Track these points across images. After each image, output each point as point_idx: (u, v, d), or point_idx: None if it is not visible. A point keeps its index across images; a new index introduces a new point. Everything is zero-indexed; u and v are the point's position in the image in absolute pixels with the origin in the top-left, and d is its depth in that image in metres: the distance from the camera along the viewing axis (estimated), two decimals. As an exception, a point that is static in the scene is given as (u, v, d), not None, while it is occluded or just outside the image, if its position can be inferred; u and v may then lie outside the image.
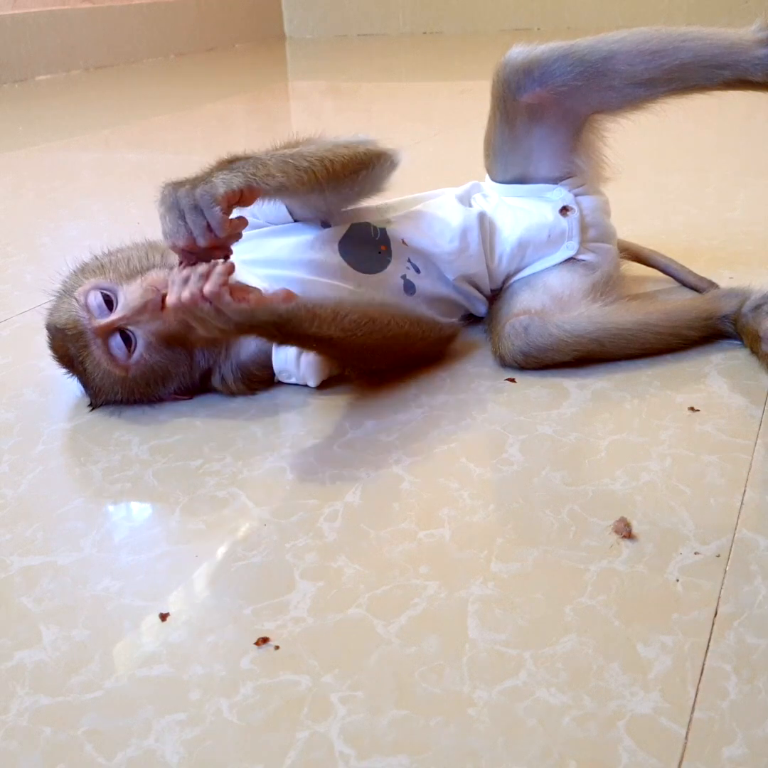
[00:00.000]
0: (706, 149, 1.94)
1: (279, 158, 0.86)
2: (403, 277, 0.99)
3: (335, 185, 0.93)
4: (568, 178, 1.04)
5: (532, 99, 0.96)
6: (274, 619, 0.63)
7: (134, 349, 0.89)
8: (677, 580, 0.64)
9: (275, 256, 0.96)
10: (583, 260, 1.03)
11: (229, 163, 0.84)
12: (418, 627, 0.61)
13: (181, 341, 0.90)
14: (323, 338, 0.87)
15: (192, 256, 0.82)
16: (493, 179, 1.07)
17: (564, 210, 1.03)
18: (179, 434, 0.88)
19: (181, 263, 0.82)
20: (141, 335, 0.89)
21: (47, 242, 1.53)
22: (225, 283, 0.79)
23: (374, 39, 4.56)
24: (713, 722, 0.52)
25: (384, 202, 1.03)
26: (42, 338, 0.95)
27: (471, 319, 1.07)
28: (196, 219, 0.80)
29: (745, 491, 0.73)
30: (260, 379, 0.95)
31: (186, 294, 0.79)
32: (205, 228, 0.80)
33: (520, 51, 0.96)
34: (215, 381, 0.94)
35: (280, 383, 0.96)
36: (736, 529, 0.69)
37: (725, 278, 1.13)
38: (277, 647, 0.60)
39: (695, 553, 0.66)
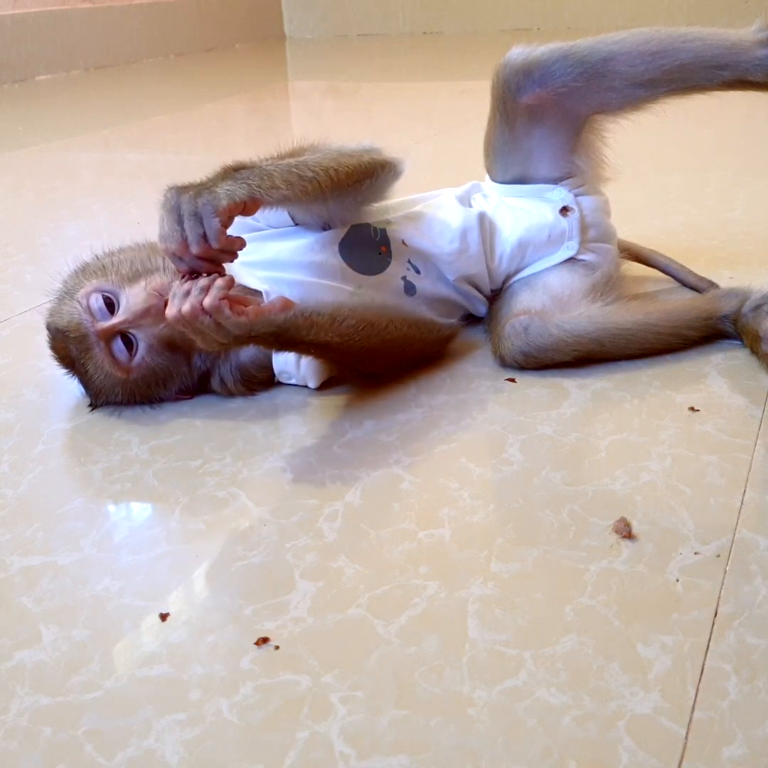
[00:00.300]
0: (706, 149, 1.94)
1: (284, 169, 0.86)
2: (404, 278, 0.99)
3: (339, 194, 0.93)
4: (568, 178, 1.04)
5: (532, 100, 0.96)
6: (274, 619, 0.63)
7: (136, 352, 0.89)
8: (677, 580, 0.64)
9: (276, 258, 0.96)
10: (583, 260, 1.03)
11: (234, 172, 0.84)
12: (418, 627, 0.61)
13: (182, 345, 0.90)
14: (321, 344, 0.87)
15: (181, 262, 0.82)
16: (493, 179, 1.07)
17: (564, 210, 1.03)
18: (179, 434, 0.88)
19: (182, 275, 0.83)
20: (142, 338, 0.89)
21: (47, 242, 1.53)
22: (225, 297, 0.79)
23: (374, 39, 4.56)
24: (713, 722, 0.52)
25: (384, 203, 1.03)
26: (42, 338, 0.95)
27: (471, 319, 1.07)
28: (194, 226, 0.80)
29: (745, 491, 0.73)
30: (260, 380, 0.95)
31: (186, 307, 0.80)
32: (200, 236, 0.80)
33: (519, 52, 0.96)
34: (214, 383, 0.94)
35: (280, 384, 0.96)
36: (736, 529, 0.69)
37: (725, 278, 1.13)
38: (277, 647, 0.60)
39: (695, 553, 0.66)
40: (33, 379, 1.02)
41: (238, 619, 0.63)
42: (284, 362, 0.93)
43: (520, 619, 0.61)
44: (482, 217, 1.02)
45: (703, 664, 0.56)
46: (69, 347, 0.90)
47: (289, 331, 0.84)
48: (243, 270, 0.93)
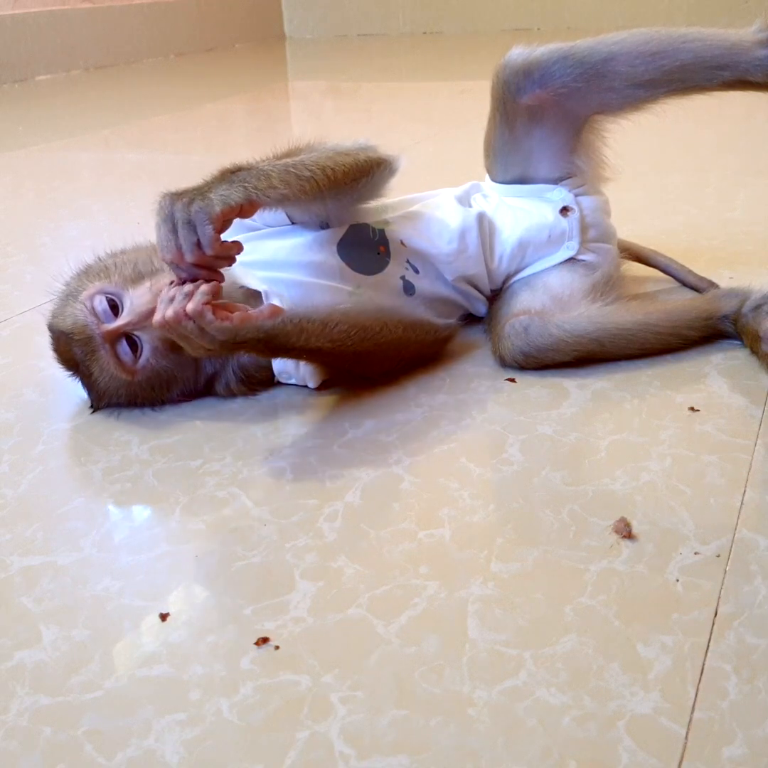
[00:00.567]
0: (706, 149, 1.94)
1: (281, 168, 0.86)
2: (402, 277, 0.99)
3: (336, 193, 0.93)
4: (568, 178, 1.04)
5: (532, 100, 0.96)
6: (274, 619, 0.63)
7: (140, 354, 0.89)
8: (677, 580, 0.64)
9: (273, 258, 0.96)
10: (584, 260, 1.04)
11: (231, 174, 0.84)
12: (418, 627, 0.61)
13: None
14: (312, 350, 0.87)
15: (180, 270, 0.82)
16: (493, 179, 1.07)
17: (564, 210, 1.03)
18: (179, 434, 0.88)
19: (181, 282, 0.83)
20: (147, 340, 0.89)
21: (47, 242, 1.53)
22: (208, 302, 0.80)
23: (374, 39, 4.56)
24: (713, 722, 0.52)
25: (382, 202, 1.03)
26: (42, 338, 0.95)
27: (471, 319, 1.07)
28: (188, 235, 0.80)
29: (745, 491, 0.73)
30: (260, 380, 0.95)
31: (170, 312, 0.80)
32: (194, 244, 0.80)
33: (519, 53, 0.96)
34: (219, 387, 0.94)
35: (280, 384, 0.96)
36: (736, 529, 0.69)
37: (725, 278, 1.13)
38: (277, 647, 0.60)
39: (695, 553, 0.66)
40: (33, 379, 1.02)
41: (238, 619, 0.63)
42: (284, 362, 0.93)
43: (520, 619, 0.61)
44: (481, 218, 1.02)
45: (703, 664, 0.56)
46: (73, 349, 0.90)
47: (277, 337, 0.84)
48: (242, 270, 0.93)
